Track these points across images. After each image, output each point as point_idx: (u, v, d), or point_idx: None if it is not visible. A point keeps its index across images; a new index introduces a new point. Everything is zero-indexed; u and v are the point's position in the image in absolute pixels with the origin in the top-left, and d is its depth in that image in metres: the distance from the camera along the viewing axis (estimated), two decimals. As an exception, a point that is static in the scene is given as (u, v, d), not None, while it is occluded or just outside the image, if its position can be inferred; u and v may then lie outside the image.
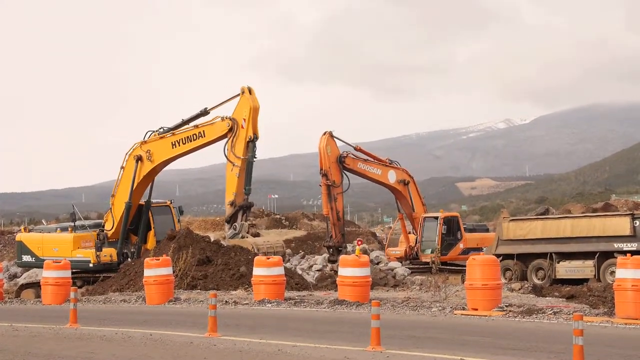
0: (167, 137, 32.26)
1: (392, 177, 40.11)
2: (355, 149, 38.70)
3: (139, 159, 32.47)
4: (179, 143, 31.99)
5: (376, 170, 39.60)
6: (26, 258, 33.78)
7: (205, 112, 31.84)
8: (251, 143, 30.57)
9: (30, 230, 36.71)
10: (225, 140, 30.93)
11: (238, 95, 31.08)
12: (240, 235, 30.59)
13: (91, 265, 31.87)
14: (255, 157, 30.91)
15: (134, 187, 32.54)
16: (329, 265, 37.48)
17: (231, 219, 30.88)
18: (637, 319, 16.75)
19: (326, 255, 47.66)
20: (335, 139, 37.28)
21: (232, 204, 30.68)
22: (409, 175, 40.80)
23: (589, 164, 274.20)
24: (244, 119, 30.61)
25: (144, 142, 32.59)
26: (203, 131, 31.50)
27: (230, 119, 30.80)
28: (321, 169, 36.51)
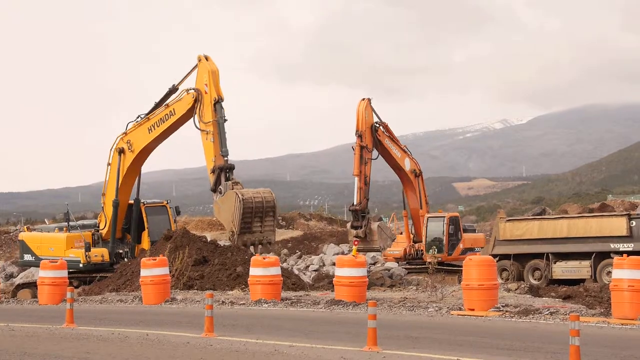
0: (144, 123, 32.20)
1: (407, 164, 40.41)
2: (383, 125, 38.99)
3: (121, 151, 32.44)
4: (154, 127, 31.86)
5: (397, 153, 39.90)
6: (27, 257, 33.78)
7: (174, 89, 31.79)
8: (217, 105, 30.33)
9: (32, 230, 36.70)
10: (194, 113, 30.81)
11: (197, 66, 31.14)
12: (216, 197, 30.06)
13: (81, 265, 31.73)
14: (226, 119, 30.51)
15: (120, 182, 32.39)
16: (353, 231, 37.20)
17: (215, 186, 30.33)
18: (633, 320, 16.76)
19: (322, 255, 47.71)
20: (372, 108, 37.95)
21: (213, 170, 30.28)
22: (419, 169, 40.93)
23: (585, 164, 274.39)
24: (206, 84, 30.55)
25: (124, 134, 32.57)
26: (173, 109, 31.40)
27: (195, 90, 30.76)
28: (357, 130, 37.01)
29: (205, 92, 30.51)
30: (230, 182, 30.11)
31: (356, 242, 39.35)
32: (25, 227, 40.30)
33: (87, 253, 31.65)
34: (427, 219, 40.20)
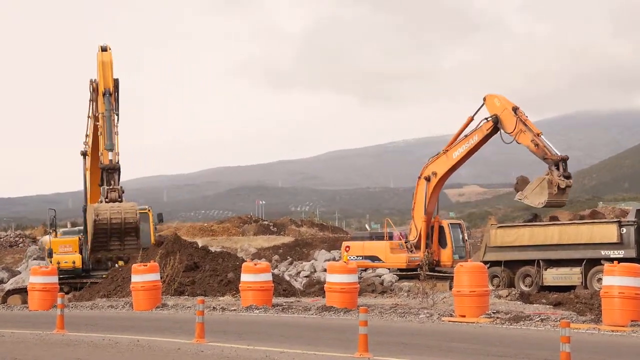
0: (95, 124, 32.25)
1: None
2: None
3: (85, 154, 32.46)
4: (97, 124, 31.87)
5: None
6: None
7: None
8: (105, 97, 29.89)
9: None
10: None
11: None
12: (100, 200, 29.36)
13: None
14: (117, 113, 30.06)
15: (89, 186, 32.23)
16: (569, 181, 34.41)
17: (102, 182, 29.77)
18: (623, 326, 16.80)
19: (314, 261, 47.74)
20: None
21: (100, 165, 29.82)
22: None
23: (576, 171, 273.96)
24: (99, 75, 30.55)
25: (87, 136, 32.64)
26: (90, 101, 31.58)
27: (93, 80, 30.99)
28: (515, 106, 36.70)
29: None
30: (107, 188, 29.29)
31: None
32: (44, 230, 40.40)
33: (49, 259, 31.46)
34: (449, 225, 40.11)
